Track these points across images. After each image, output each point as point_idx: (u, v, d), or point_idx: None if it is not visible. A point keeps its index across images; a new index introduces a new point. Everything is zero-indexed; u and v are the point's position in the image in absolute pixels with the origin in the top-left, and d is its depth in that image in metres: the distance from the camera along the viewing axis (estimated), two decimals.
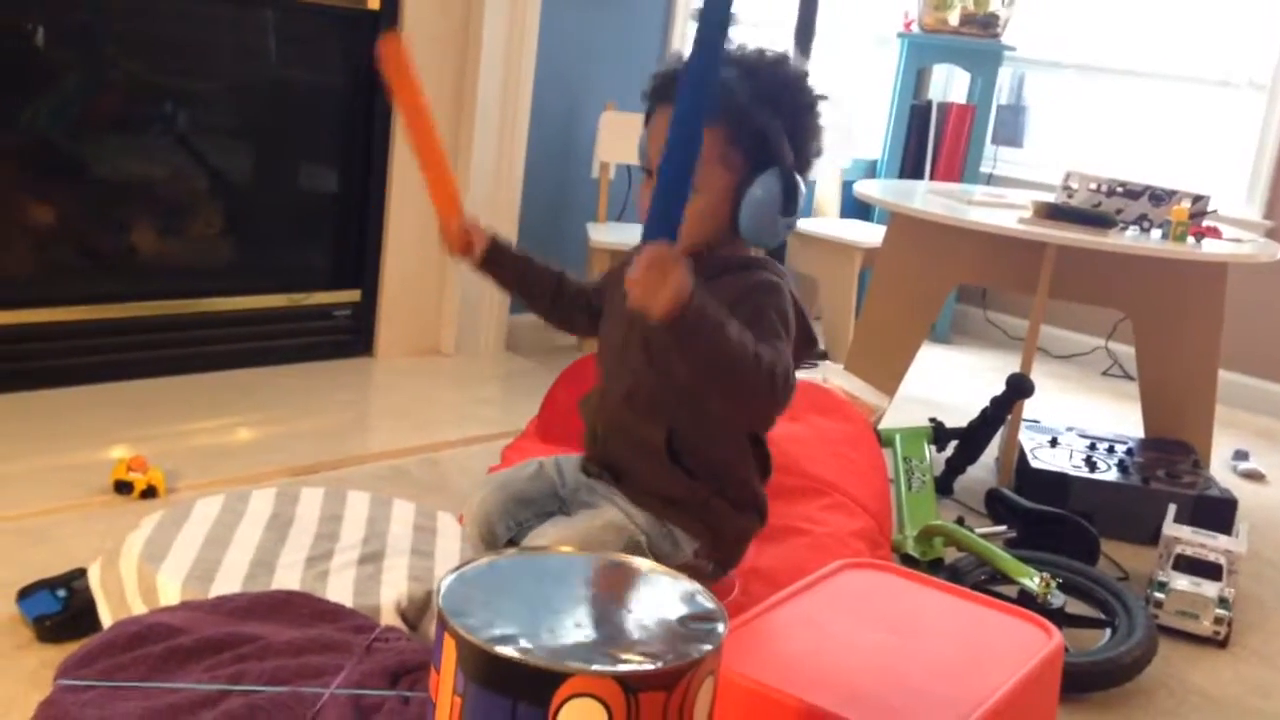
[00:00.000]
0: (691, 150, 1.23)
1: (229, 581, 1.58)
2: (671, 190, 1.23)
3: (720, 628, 0.91)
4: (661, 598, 0.94)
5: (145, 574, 1.61)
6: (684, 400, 1.46)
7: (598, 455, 1.58)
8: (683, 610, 0.93)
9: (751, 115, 1.42)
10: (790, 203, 1.47)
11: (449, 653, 0.85)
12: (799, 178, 1.48)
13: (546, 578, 0.95)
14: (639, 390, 1.50)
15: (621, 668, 0.82)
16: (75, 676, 1.14)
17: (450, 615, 0.85)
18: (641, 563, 0.99)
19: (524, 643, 0.83)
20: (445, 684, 0.85)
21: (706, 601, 0.95)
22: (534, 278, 1.67)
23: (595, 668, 0.82)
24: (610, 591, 0.94)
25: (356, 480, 2.38)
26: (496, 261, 1.63)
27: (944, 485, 2.74)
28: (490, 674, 0.83)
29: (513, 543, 1.57)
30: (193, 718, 1.09)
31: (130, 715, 1.09)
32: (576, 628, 0.87)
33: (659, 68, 1.50)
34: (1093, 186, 2.95)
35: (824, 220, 4.26)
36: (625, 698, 0.82)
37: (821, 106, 1.51)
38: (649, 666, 0.83)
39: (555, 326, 1.74)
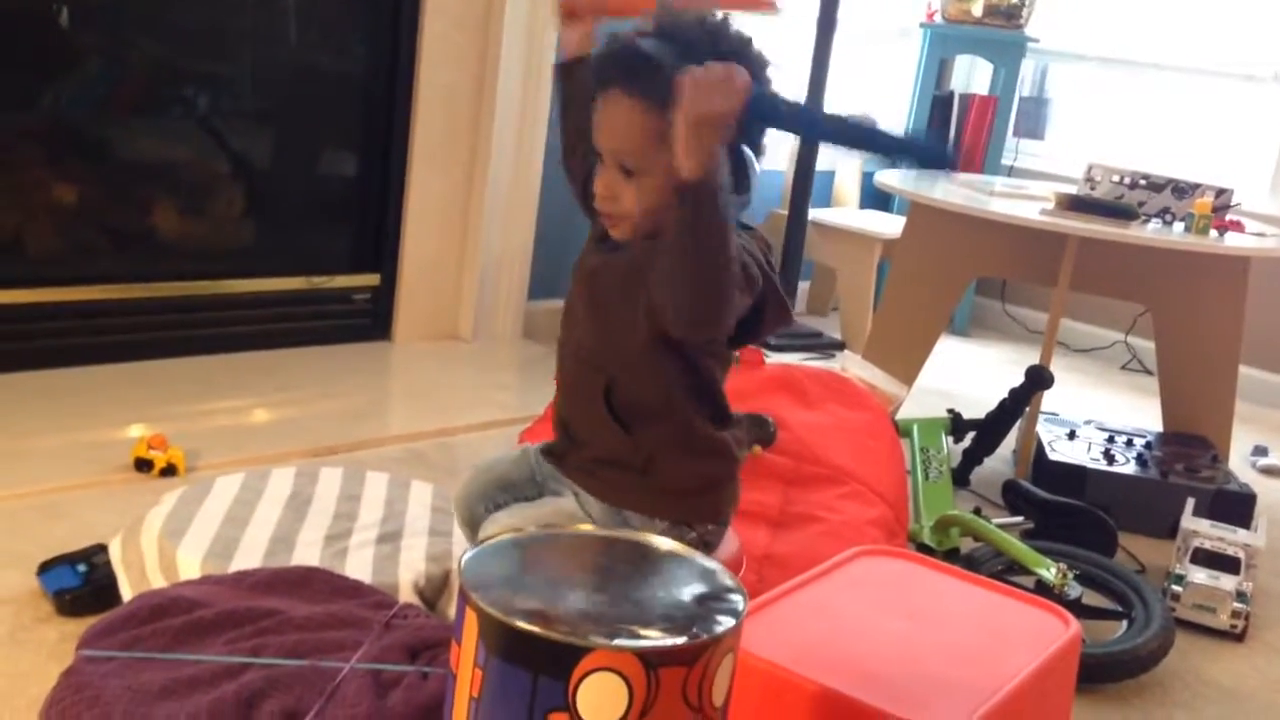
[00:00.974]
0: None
1: (248, 558, 1.59)
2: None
3: (740, 605, 0.91)
4: (681, 576, 0.94)
5: (165, 549, 1.62)
6: (618, 347, 1.43)
7: (559, 419, 1.54)
8: (702, 588, 0.93)
9: (665, 81, 1.35)
10: (741, 180, 1.42)
11: (470, 626, 0.85)
12: (749, 153, 1.44)
13: (567, 555, 0.95)
14: (582, 343, 1.47)
15: (642, 643, 0.83)
16: (97, 647, 1.15)
17: (472, 589, 0.85)
18: (662, 541, 1.00)
19: (545, 617, 0.84)
20: (466, 657, 0.86)
21: (726, 580, 0.95)
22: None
23: (616, 642, 0.82)
24: (630, 569, 0.94)
25: (373, 462, 2.39)
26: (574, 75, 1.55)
27: (961, 476, 2.74)
28: (511, 647, 0.83)
29: None
30: (213, 689, 1.09)
31: (152, 686, 1.10)
32: (597, 604, 0.88)
33: (603, 46, 1.42)
34: (1115, 179, 2.93)
35: (843, 210, 4.25)
36: (645, 673, 0.82)
37: (770, 74, 1.44)
38: (669, 642, 0.83)
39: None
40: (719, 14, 1.40)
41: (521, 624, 0.82)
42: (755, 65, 1.37)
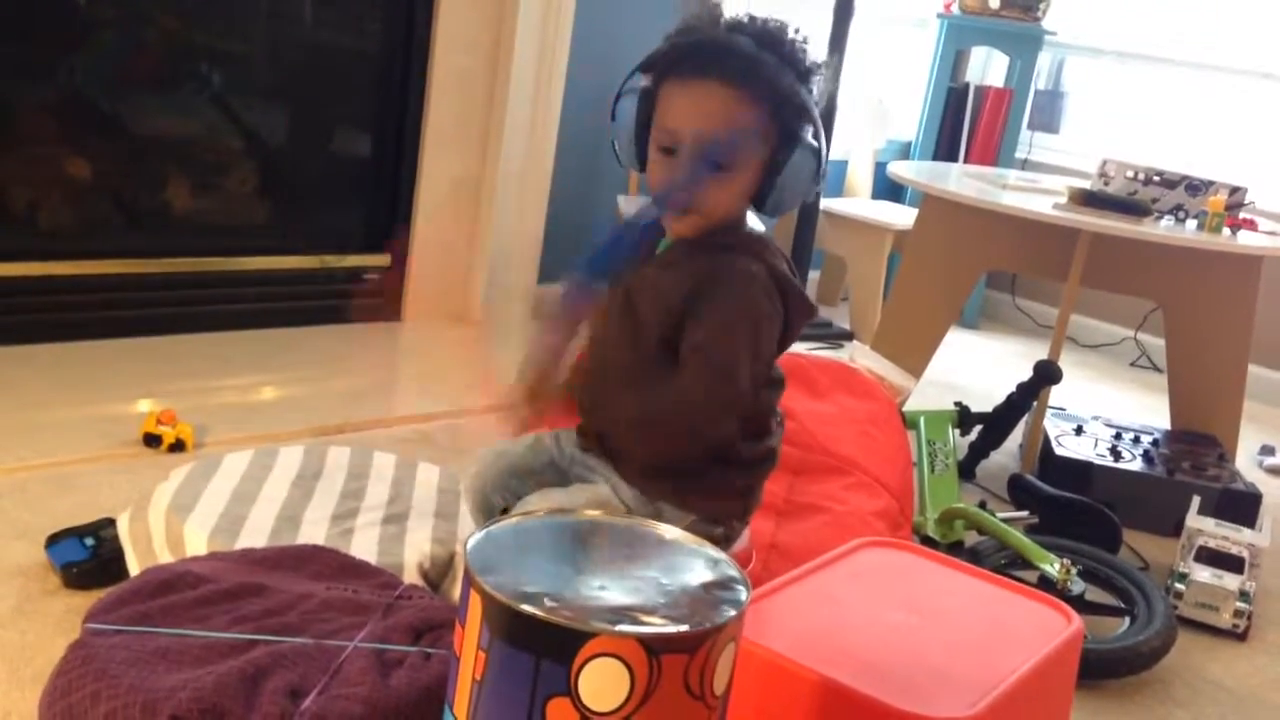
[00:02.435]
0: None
1: (255, 535, 1.60)
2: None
3: (743, 595, 0.91)
4: (686, 563, 0.95)
5: (173, 525, 1.63)
6: (658, 371, 1.43)
7: (587, 426, 1.57)
8: (707, 577, 0.93)
9: (784, 85, 1.39)
10: (820, 171, 1.45)
11: (474, 608, 0.86)
12: (824, 145, 1.46)
13: (573, 540, 0.96)
14: (613, 363, 1.48)
15: (645, 629, 0.83)
16: (104, 621, 1.16)
17: (477, 571, 0.86)
18: (667, 529, 1.00)
19: (549, 601, 0.84)
20: (470, 639, 0.86)
21: (730, 569, 0.95)
22: None
23: (619, 628, 0.83)
24: (635, 556, 0.95)
25: (381, 443, 2.39)
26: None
27: (967, 469, 2.74)
28: (515, 630, 0.84)
29: (505, 512, 1.56)
30: (218, 665, 1.10)
31: (158, 660, 1.11)
32: (601, 589, 0.88)
33: (683, 31, 1.42)
34: (1129, 174, 2.92)
35: (855, 201, 4.24)
36: (647, 659, 0.83)
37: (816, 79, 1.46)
38: (672, 629, 0.84)
39: None
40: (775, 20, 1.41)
41: (525, 608, 0.83)
42: (801, 74, 1.39)
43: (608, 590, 0.88)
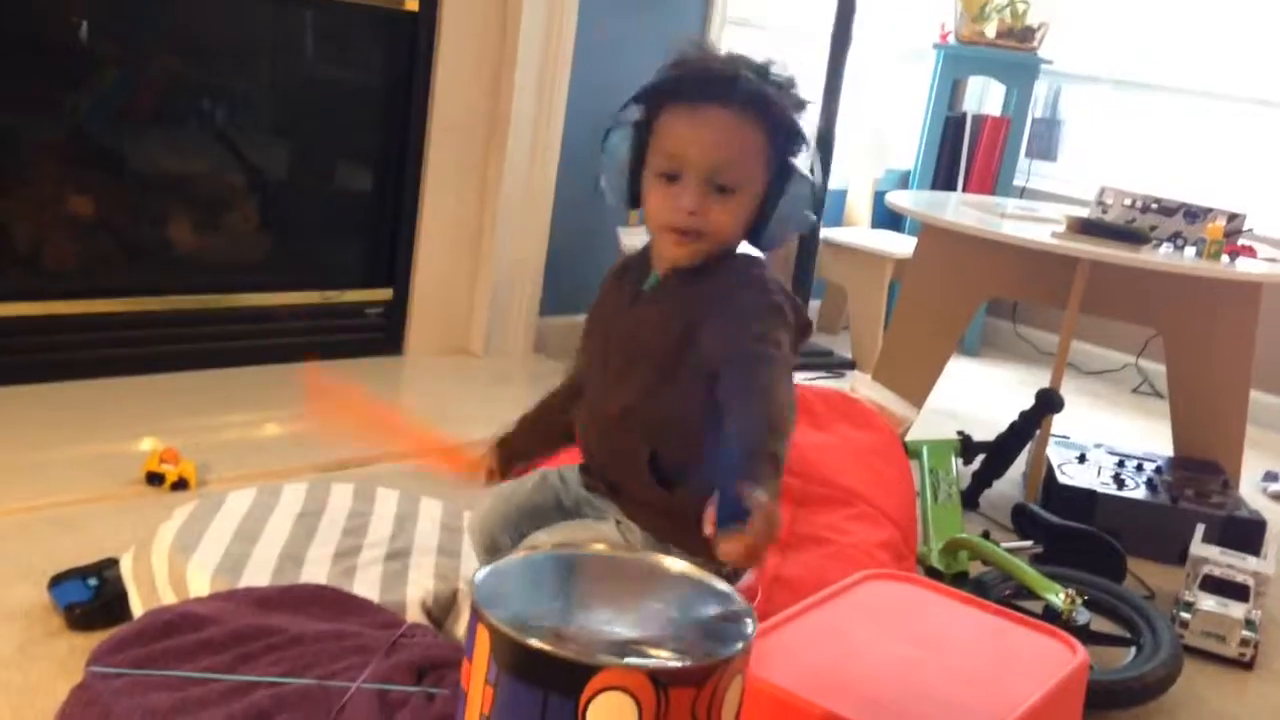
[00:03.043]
0: None
1: (258, 574, 1.59)
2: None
3: (750, 628, 0.91)
4: (692, 597, 0.95)
5: (176, 564, 1.63)
6: (679, 420, 1.41)
7: (592, 467, 1.55)
8: (714, 610, 0.93)
9: (785, 114, 1.39)
10: (814, 203, 1.45)
11: (482, 643, 0.86)
12: (819, 177, 1.47)
13: (579, 574, 0.96)
14: (629, 413, 1.44)
15: (652, 662, 0.83)
16: (107, 663, 1.16)
17: (484, 606, 0.86)
18: (673, 563, 1.00)
19: (556, 635, 0.84)
20: (477, 674, 0.86)
21: (736, 603, 0.95)
22: (560, 420, 1.60)
23: (627, 661, 0.83)
24: (642, 589, 0.94)
25: (384, 478, 2.38)
26: (525, 453, 1.60)
27: (970, 499, 2.74)
28: (522, 665, 0.83)
29: None
30: (222, 708, 1.10)
31: (161, 704, 1.10)
32: (608, 623, 0.88)
33: (679, 63, 1.41)
34: (1127, 202, 2.94)
35: (855, 230, 4.26)
36: (655, 692, 0.83)
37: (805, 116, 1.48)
38: (680, 662, 0.84)
39: None
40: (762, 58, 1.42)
41: (533, 642, 0.83)
42: (794, 106, 1.40)
43: (615, 624, 0.88)
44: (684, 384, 1.38)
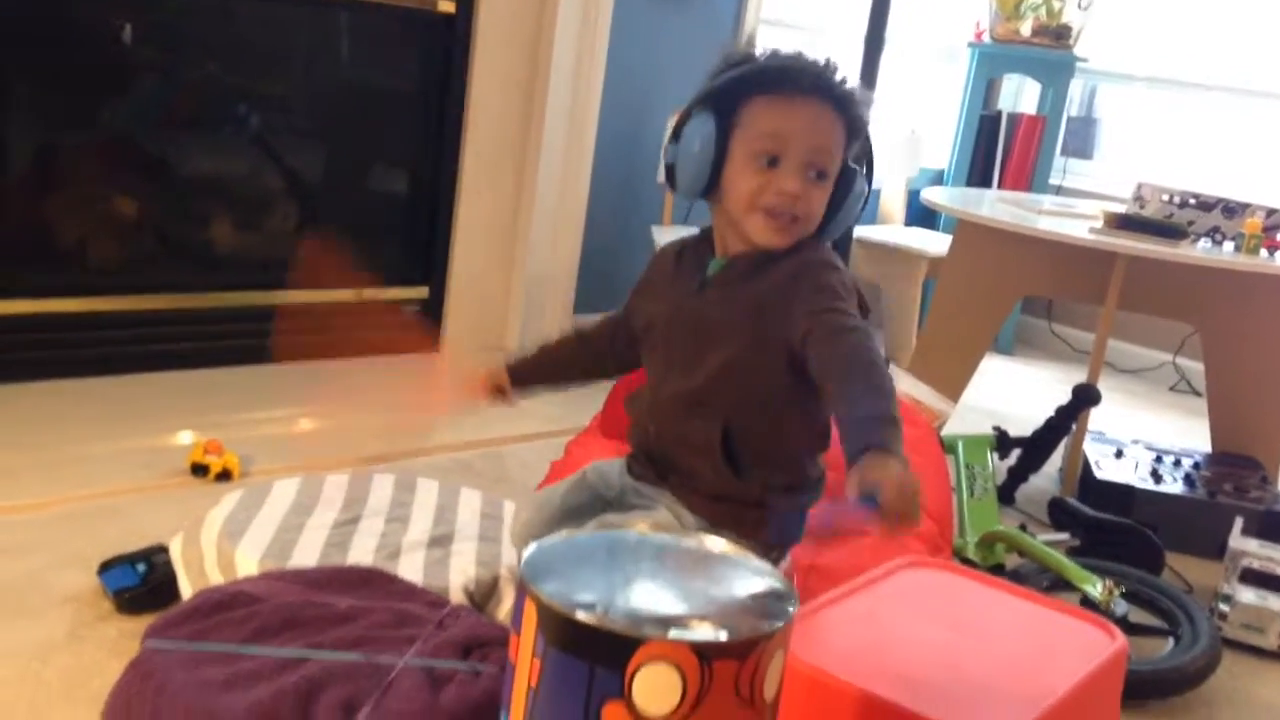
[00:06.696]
0: None
1: (304, 559, 1.62)
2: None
3: (792, 605, 0.93)
4: (734, 575, 0.96)
5: (224, 549, 1.66)
6: (752, 404, 1.44)
7: (647, 452, 1.55)
8: (756, 588, 0.95)
9: (861, 111, 1.44)
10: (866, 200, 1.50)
11: (529, 617, 0.88)
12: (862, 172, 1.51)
13: (623, 553, 0.97)
14: (701, 393, 1.46)
15: (697, 636, 0.85)
16: (162, 638, 1.19)
17: (532, 581, 0.88)
18: (716, 542, 1.02)
19: (601, 610, 0.86)
20: (525, 647, 0.88)
21: (777, 581, 0.97)
22: (569, 360, 1.66)
23: (672, 634, 0.84)
24: (685, 568, 0.96)
25: (421, 471, 2.42)
26: (529, 381, 1.65)
27: (1006, 494, 2.74)
28: (569, 638, 0.85)
29: None
30: (274, 681, 1.13)
31: (215, 677, 1.13)
32: (652, 598, 0.90)
33: (776, 54, 1.45)
34: (1165, 198, 2.93)
35: (889, 228, 4.26)
36: (699, 665, 0.84)
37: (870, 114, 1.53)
38: (724, 636, 0.86)
39: (627, 371, 1.70)
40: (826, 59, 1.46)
41: (580, 615, 0.84)
42: (866, 107, 1.45)
43: (659, 600, 0.90)
44: (760, 365, 1.40)
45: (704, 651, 0.84)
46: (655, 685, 0.84)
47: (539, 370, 1.65)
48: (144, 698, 1.10)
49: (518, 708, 0.89)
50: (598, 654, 0.84)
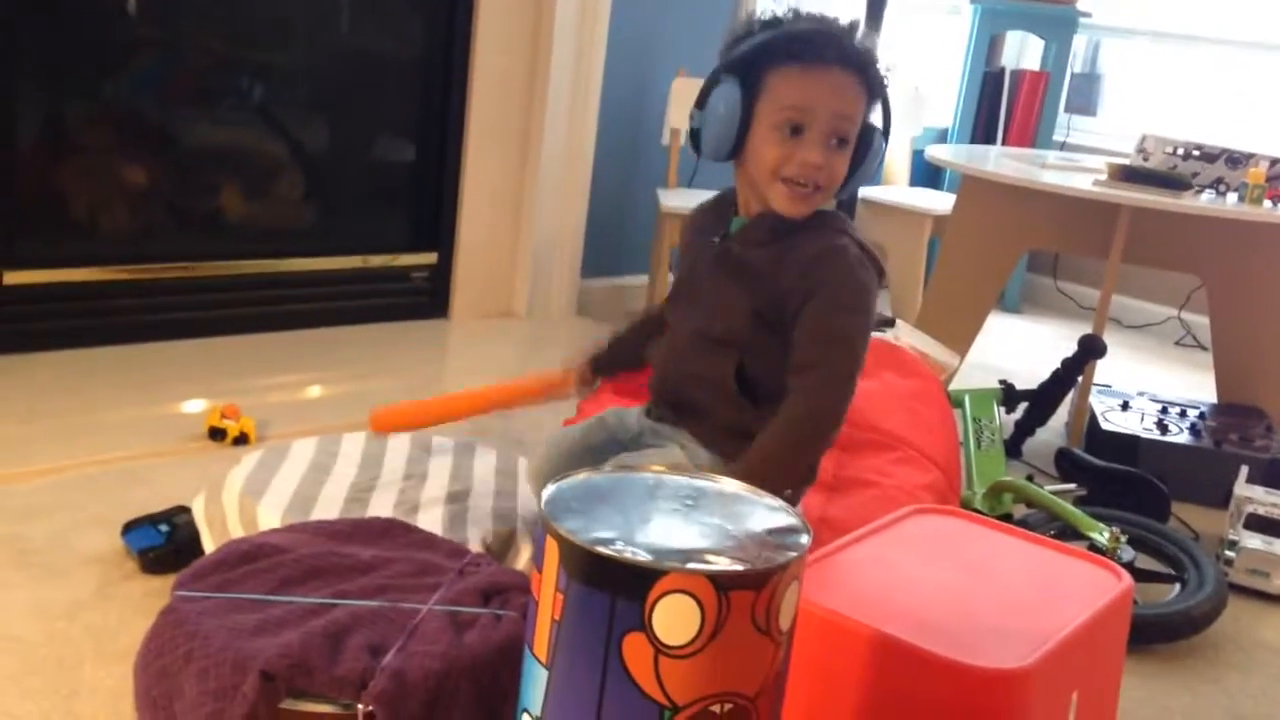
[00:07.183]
0: None
1: (325, 514, 1.65)
2: None
3: (804, 538, 0.96)
4: (749, 511, 0.99)
5: (246, 506, 1.69)
6: (765, 346, 1.50)
7: (665, 394, 1.61)
8: (769, 523, 0.98)
9: (880, 73, 1.47)
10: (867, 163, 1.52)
11: (551, 554, 0.90)
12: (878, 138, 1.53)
13: (640, 492, 1.00)
14: (714, 326, 1.52)
15: (714, 567, 0.87)
16: (192, 588, 1.22)
17: (553, 518, 0.91)
18: (729, 482, 1.04)
19: (621, 545, 0.89)
20: (548, 583, 0.91)
21: (790, 517, 1.00)
22: (639, 338, 1.78)
23: (690, 566, 0.87)
24: (700, 505, 0.99)
25: (435, 431, 2.45)
26: (611, 368, 1.79)
27: (1013, 447, 2.76)
28: (591, 572, 0.88)
29: None
30: (301, 626, 1.16)
31: (245, 624, 1.16)
32: (670, 534, 0.92)
33: (799, 22, 1.48)
34: (1168, 149, 2.93)
35: (894, 188, 4.27)
36: (717, 595, 0.87)
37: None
38: (740, 567, 0.88)
39: None
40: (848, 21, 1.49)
41: (601, 549, 0.87)
42: (885, 68, 1.48)
43: (675, 535, 0.93)
44: (773, 317, 1.47)
45: (721, 582, 0.87)
46: (675, 616, 0.87)
47: (617, 356, 1.77)
48: (176, 643, 1.14)
49: (542, 640, 0.92)
50: (618, 586, 0.87)
